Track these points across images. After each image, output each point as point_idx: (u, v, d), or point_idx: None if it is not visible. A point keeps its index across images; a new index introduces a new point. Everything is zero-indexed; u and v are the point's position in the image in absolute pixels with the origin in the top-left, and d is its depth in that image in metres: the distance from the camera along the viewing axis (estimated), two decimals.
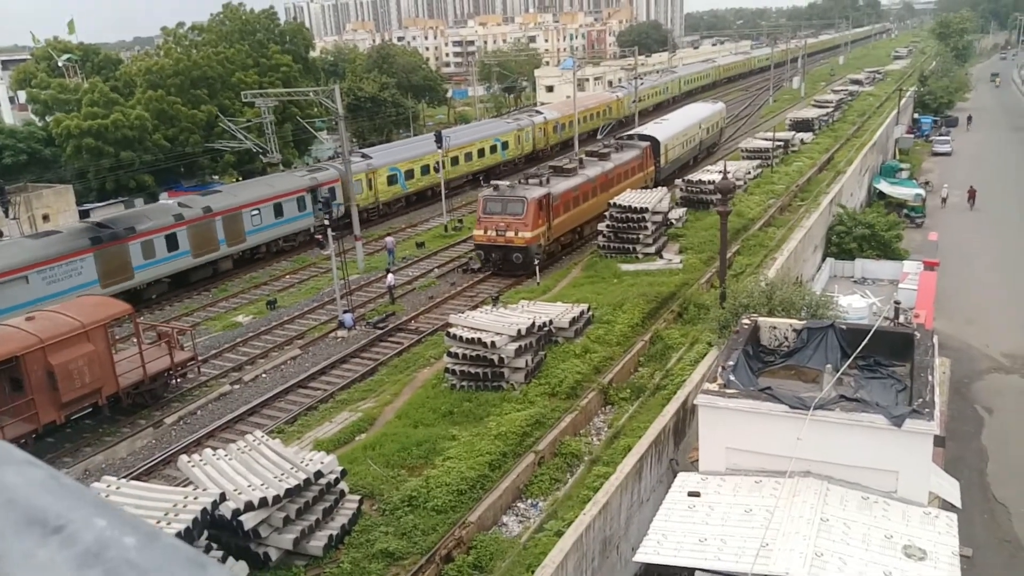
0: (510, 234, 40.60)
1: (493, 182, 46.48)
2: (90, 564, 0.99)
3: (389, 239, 47.91)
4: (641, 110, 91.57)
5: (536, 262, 40.74)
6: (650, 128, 62.31)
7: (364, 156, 56.52)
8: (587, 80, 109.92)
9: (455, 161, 62.62)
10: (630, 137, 57.54)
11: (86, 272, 38.17)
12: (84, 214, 52.47)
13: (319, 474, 19.74)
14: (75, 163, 56.27)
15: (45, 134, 59.06)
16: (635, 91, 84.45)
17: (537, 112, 79.29)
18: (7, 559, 1.01)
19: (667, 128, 62.76)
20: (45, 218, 49.81)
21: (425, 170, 59.07)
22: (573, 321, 31.12)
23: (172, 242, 42.00)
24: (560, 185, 43.68)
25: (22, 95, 75.71)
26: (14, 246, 37.93)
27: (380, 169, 55.79)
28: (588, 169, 47.68)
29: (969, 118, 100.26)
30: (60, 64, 67.66)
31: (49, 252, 37.09)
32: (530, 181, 43.15)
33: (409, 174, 57.80)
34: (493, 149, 68.03)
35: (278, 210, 47.72)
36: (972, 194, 63.14)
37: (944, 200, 63.24)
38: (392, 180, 56.88)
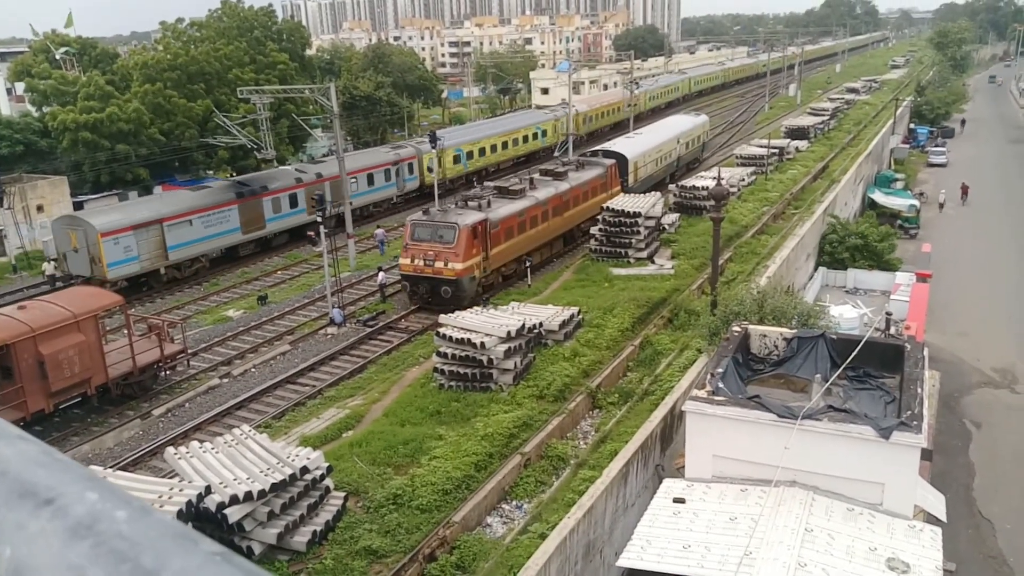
0: (439, 265, 36.09)
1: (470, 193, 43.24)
2: (81, 536, 1.00)
3: (380, 231, 47.99)
4: (653, 107, 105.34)
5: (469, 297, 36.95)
6: (618, 143, 57.64)
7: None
8: (583, 83, 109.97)
9: (505, 145, 70.95)
10: (594, 153, 53.59)
11: (232, 220, 45.98)
12: (78, 206, 52.54)
13: (305, 470, 19.73)
14: (71, 155, 56.22)
15: (41, 125, 58.98)
16: (631, 94, 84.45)
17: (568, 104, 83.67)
18: None
19: (638, 143, 58.11)
20: (39, 209, 49.77)
21: (482, 151, 67.25)
22: (563, 324, 31.15)
23: (293, 201, 49.86)
24: (502, 210, 39.19)
25: (19, 87, 75.44)
26: (177, 196, 46.45)
27: (448, 149, 62.16)
28: (539, 191, 43.02)
29: (963, 122, 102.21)
30: (58, 57, 67.57)
31: (206, 202, 44.97)
32: (469, 204, 39.02)
33: (470, 155, 65.26)
34: (535, 136, 75.10)
35: (370, 179, 55.77)
36: (964, 190, 66.43)
37: (941, 206, 64.52)
38: (456, 160, 63.83)
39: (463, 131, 70.94)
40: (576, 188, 45.76)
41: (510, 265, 40.44)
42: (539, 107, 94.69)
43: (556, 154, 56.89)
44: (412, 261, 36.76)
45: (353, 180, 52.43)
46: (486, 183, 47.07)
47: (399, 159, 58.75)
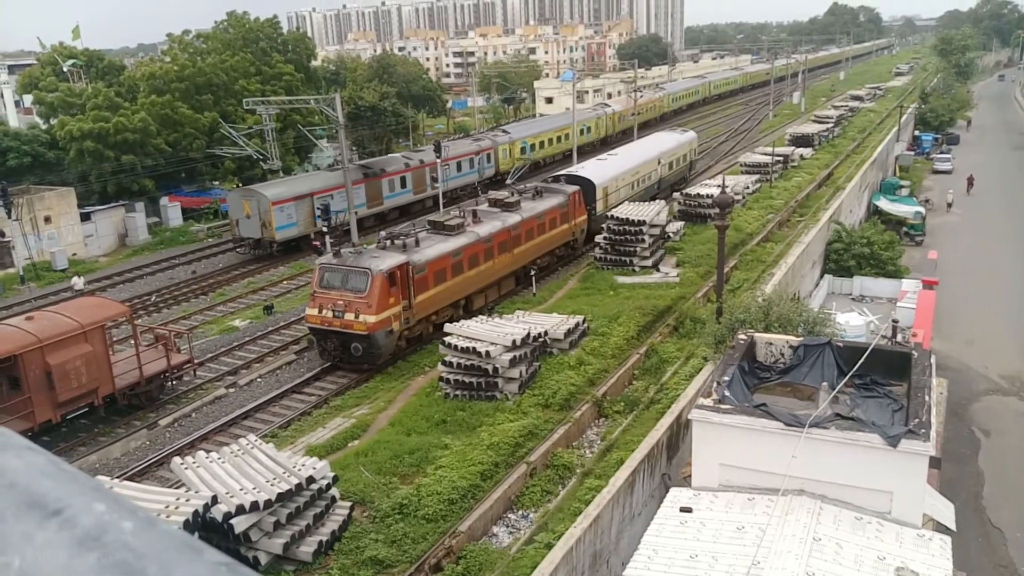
0: (349, 317, 31.10)
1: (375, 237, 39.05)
2: (89, 547, 1.00)
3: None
4: (675, 108, 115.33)
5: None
6: (586, 167, 52.31)
7: (504, 132, 74.82)
8: (587, 92, 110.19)
9: (558, 139, 79.20)
10: (556, 179, 48.47)
11: (359, 197, 53.08)
12: (85, 217, 52.82)
13: (311, 479, 19.73)
14: (78, 166, 56.40)
15: (49, 137, 59.24)
16: (635, 103, 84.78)
17: (607, 105, 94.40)
18: (7, 541, 1.02)
19: (609, 166, 52.68)
20: (47, 220, 49.95)
21: (542, 144, 76.11)
22: (568, 332, 31.11)
23: (403, 182, 58.35)
24: (430, 250, 34.29)
25: (27, 99, 75.85)
26: (321, 175, 54.67)
27: (516, 141, 72.22)
28: (482, 225, 38.03)
29: (968, 121, 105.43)
30: (65, 69, 67.86)
31: (342, 180, 49.36)
32: (394, 242, 34.12)
33: (532, 147, 74.51)
34: (582, 132, 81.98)
35: (458, 167, 64.23)
36: (970, 182, 71.35)
37: (949, 205, 66.17)
38: (523, 150, 72.62)
39: (525, 127, 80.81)
40: (530, 220, 40.87)
41: (444, 312, 35.29)
42: (543, 114, 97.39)
43: (509, 181, 49.88)
44: (320, 312, 31.83)
45: (446, 166, 60.89)
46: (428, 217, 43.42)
47: (480, 149, 67.82)
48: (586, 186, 47.35)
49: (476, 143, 68.79)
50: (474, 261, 36.64)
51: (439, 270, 34.39)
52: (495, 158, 69.20)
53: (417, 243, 34.27)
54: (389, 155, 65.74)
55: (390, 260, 32.18)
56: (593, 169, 51.16)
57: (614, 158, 55.54)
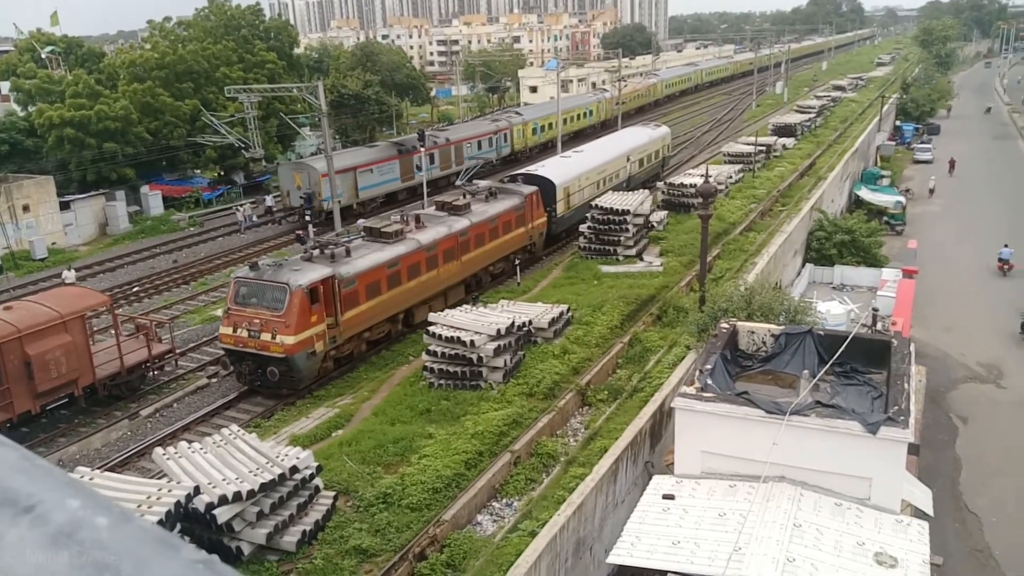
0: (265, 337, 27.76)
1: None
2: (62, 544, 0.99)
3: (362, 222, 48.12)
4: (668, 94, 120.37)
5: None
6: (547, 166, 48.57)
7: (518, 113, 79.44)
8: (571, 81, 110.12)
9: (564, 122, 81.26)
10: (512, 179, 45.30)
11: (394, 171, 58.19)
12: (65, 205, 52.35)
13: (294, 469, 19.67)
14: (57, 154, 55.86)
15: (27, 124, 58.66)
16: (619, 93, 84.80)
17: (604, 90, 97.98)
18: None
19: (572, 165, 49.03)
20: (25, 208, 49.44)
21: (551, 126, 78.54)
22: (552, 322, 31.12)
23: (431, 159, 60.32)
24: (361, 261, 30.90)
25: (4, 86, 75.17)
26: (362, 151, 59.01)
27: (528, 123, 77.09)
28: (425, 231, 34.80)
29: (949, 108, 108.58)
30: (43, 56, 67.22)
31: (381, 156, 57.69)
32: (322, 252, 30.69)
33: (542, 128, 78.92)
34: (584, 115, 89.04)
35: (479, 145, 68.62)
36: (952, 164, 75.03)
37: (931, 191, 67.51)
38: (534, 131, 77.72)
39: (536, 109, 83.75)
40: (481, 224, 37.89)
41: (379, 328, 32.52)
42: (527, 103, 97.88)
43: (459, 182, 45.68)
44: (234, 331, 28.42)
45: (470, 144, 66.79)
46: (360, 221, 41.97)
47: (498, 129, 72.24)
48: (545, 186, 44.12)
49: (494, 123, 73.56)
50: (415, 271, 33.48)
51: (372, 282, 31.20)
52: (511, 138, 73.92)
53: (348, 253, 31.01)
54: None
55: (312, 274, 28.88)
56: (554, 168, 47.76)
57: (579, 155, 52.21)
